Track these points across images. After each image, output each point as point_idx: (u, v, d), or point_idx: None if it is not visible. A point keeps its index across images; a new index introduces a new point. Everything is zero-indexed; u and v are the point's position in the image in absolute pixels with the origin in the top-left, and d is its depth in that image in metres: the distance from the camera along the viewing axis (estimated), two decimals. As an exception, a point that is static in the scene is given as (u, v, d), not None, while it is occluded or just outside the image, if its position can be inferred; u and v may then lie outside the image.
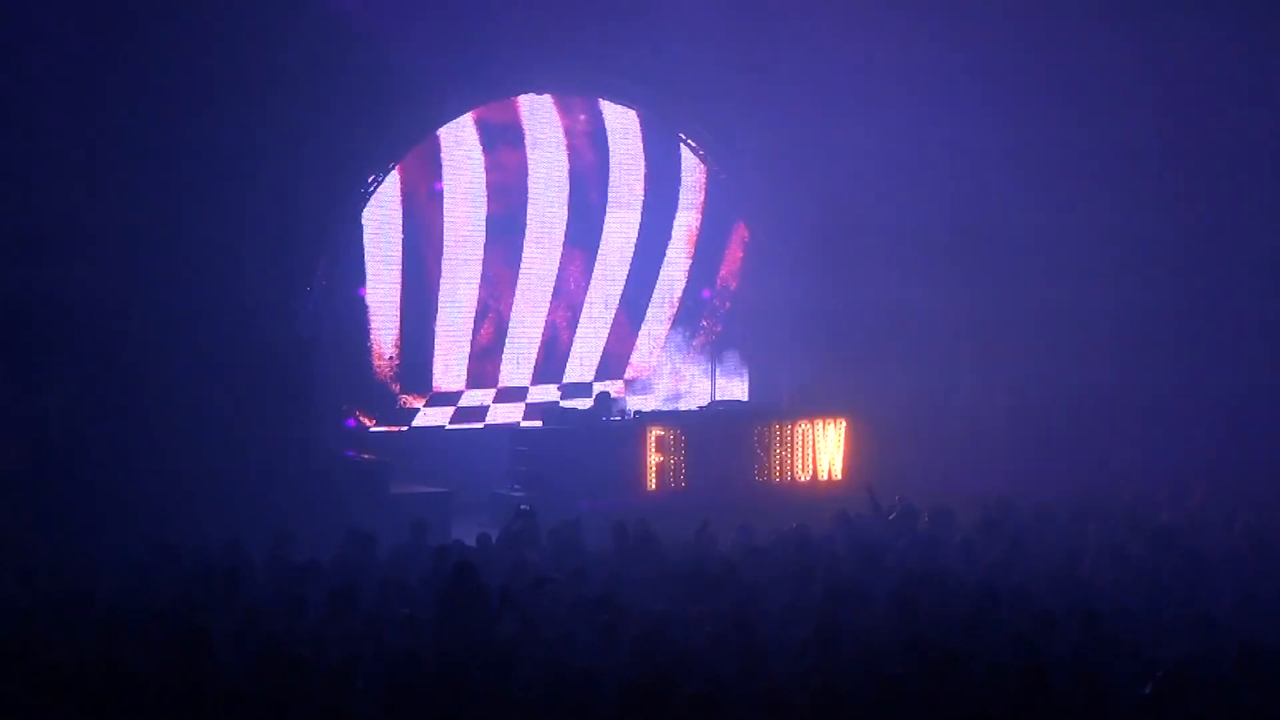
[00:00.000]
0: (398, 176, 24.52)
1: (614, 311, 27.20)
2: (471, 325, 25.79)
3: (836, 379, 26.09)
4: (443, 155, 25.21)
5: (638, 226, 27.30)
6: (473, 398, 25.93)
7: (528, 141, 26.08)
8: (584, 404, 25.33)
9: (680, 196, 27.73)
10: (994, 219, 26.72)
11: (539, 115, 26.18)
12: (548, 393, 26.54)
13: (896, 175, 26.03)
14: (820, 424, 24.75)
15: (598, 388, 25.91)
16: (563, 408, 25.32)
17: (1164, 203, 26.73)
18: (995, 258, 27.05)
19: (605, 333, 27.20)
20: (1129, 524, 18.76)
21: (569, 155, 26.51)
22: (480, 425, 25.84)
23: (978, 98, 25.94)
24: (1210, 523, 19.25)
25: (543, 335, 26.56)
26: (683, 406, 25.82)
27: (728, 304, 28.36)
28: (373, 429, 24.73)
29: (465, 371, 25.83)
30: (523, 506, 18.91)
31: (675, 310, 27.89)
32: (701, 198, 27.86)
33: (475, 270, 25.73)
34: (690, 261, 28.00)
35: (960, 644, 12.20)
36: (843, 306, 26.65)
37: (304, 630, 12.81)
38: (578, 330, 26.93)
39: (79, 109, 20.36)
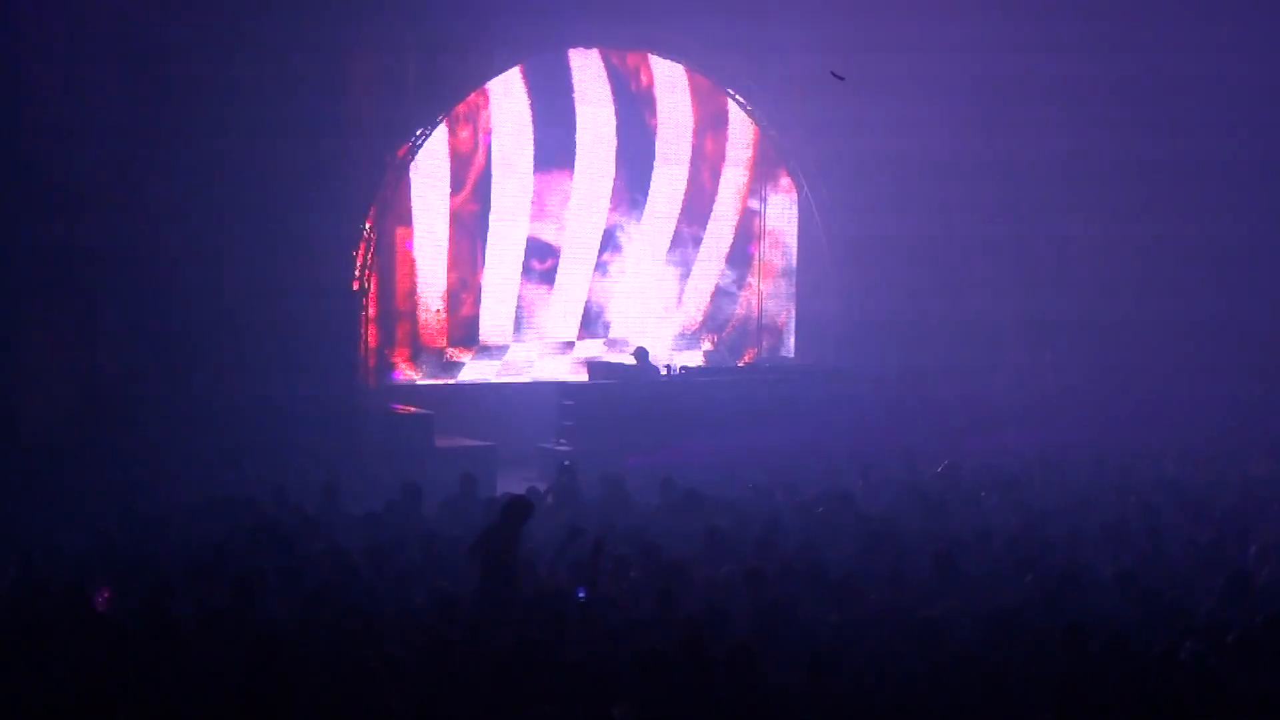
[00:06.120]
0: (446, 130, 24.61)
1: (660, 266, 27.18)
2: (519, 279, 25.87)
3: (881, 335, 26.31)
4: (491, 108, 25.27)
5: (685, 182, 27.30)
6: (519, 351, 26.03)
7: (576, 96, 26.05)
8: (625, 358, 25.32)
9: (729, 153, 27.71)
10: (1041, 167, 27.01)
11: (587, 70, 26.14)
12: (593, 347, 26.58)
13: (947, 132, 26.07)
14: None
15: (635, 343, 25.72)
16: (610, 363, 25.29)
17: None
18: (1041, 207, 27.22)
19: (652, 288, 27.18)
20: (1171, 484, 18.83)
21: (617, 110, 26.48)
22: (526, 379, 25.93)
23: (1032, 38, 26.06)
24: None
25: (589, 289, 26.63)
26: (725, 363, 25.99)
27: (774, 262, 28.32)
28: (419, 381, 24.87)
29: (512, 325, 25.93)
30: (565, 462, 18.98)
31: (722, 266, 27.87)
32: (750, 154, 27.84)
33: (523, 224, 25.80)
34: (739, 217, 27.98)
35: (997, 604, 12.30)
36: (892, 268, 26.77)
37: (352, 582, 12.96)
38: (624, 285, 26.93)
39: (128, 64, 20.54)
